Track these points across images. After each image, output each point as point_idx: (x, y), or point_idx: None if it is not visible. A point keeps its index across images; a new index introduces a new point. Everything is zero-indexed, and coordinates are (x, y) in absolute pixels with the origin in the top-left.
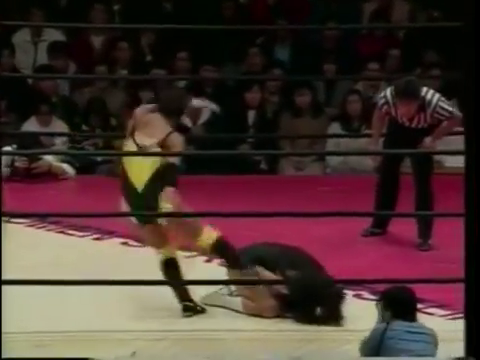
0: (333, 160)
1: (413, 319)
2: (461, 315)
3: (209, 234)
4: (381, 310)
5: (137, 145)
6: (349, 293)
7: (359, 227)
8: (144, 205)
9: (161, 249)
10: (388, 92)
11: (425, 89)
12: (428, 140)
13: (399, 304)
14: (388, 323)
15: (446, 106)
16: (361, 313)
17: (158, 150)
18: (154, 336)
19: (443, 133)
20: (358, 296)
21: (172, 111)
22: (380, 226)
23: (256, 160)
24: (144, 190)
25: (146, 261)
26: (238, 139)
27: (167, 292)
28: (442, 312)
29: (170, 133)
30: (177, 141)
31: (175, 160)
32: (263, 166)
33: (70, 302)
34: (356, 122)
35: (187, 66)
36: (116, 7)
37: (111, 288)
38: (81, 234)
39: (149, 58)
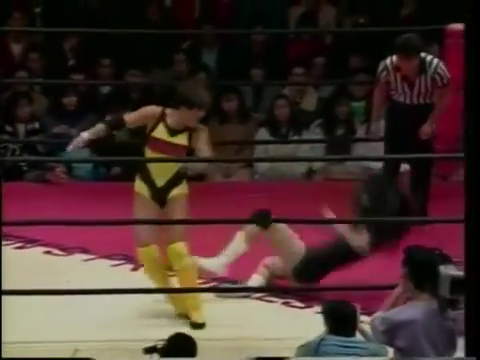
0: (261, 166)
1: (350, 334)
2: None
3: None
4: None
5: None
6: (278, 301)
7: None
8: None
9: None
10: (388, 60)
11: (424, 53)
12: (426, 127)
13: (336, 319)
14: (322, 339)
15: (446, 70)
16: (291, 321)
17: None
18: (99, 346)
19: (438, 114)
20: (287, 304)
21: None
22: None
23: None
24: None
25: (72, 270)
26: None
27: (109, 301)
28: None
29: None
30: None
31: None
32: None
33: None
34: (284, 127)
35: (111, 71)
36: (38, 10)
37: (43, 298)
38: (2, 243)
39: (72, 62)
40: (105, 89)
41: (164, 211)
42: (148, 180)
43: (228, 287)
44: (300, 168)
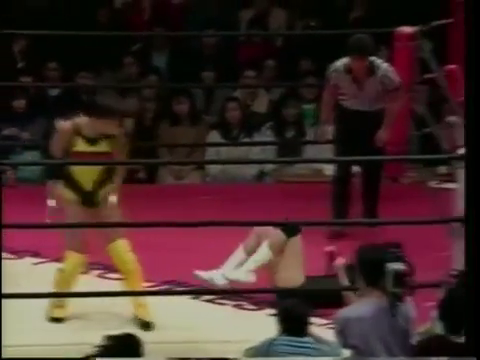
0: (213, 169)
1: (302, 335)
2: None
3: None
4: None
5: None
6: (229, 303)
7: (240, 236)
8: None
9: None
10: (338, 62)
11: (373, 57)
12: (381, 134)
13: (289, 319)
14: (274, 339)
15: (394, 74)
16: (241, 324)
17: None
18: (46, 350)
19: (391, 119)
20: (239, 306)
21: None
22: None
23: (134, 169)
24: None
25: (22, 273)
26: None
27: None
28: (321, 321)
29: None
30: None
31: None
32: (141, 175)
33: None
34: (235, 130)
35: (59, 74)
36: None
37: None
38: None
39: (21, 65)
40: (54, 92)
41: (97, 212)
42: (75, 186)
43: (178, 290)
44: (251, 170)
